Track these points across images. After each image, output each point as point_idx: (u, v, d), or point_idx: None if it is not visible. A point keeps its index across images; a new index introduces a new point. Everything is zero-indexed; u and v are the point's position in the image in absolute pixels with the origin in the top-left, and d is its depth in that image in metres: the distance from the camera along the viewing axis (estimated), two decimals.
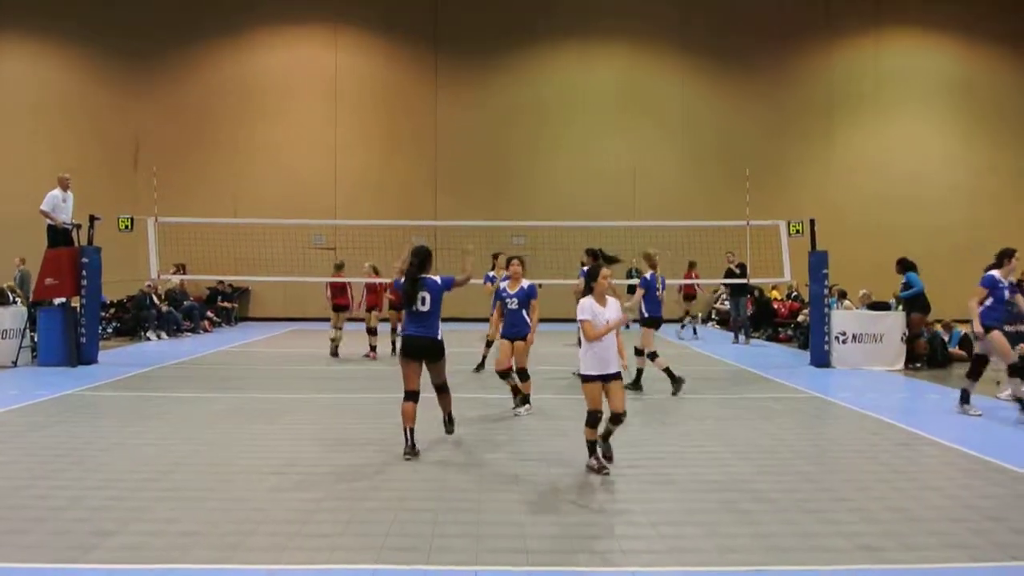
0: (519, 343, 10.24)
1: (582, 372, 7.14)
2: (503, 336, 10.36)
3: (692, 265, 21.16)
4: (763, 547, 5.43)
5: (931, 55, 26.48)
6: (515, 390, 10.31)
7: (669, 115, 26.17)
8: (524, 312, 10.23)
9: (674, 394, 11.57)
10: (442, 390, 8.35)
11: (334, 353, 16.07)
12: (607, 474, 7.08)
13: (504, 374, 10.24)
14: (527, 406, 10.25)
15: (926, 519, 6.02)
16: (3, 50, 25.49)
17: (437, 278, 8.05)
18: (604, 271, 7.30)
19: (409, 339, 8.00)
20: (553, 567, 5.08)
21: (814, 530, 5.77)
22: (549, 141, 25.93)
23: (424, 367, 8.07)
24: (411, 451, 7.80)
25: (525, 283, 10.30)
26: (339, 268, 16.60)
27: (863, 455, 8.10)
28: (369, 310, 16.25)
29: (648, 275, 12.04)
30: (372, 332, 16.06)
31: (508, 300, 10.28)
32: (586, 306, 7.11)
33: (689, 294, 21.68)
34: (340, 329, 16.25)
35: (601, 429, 7.28)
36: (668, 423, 9.77)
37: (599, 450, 7.29)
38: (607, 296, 7.27)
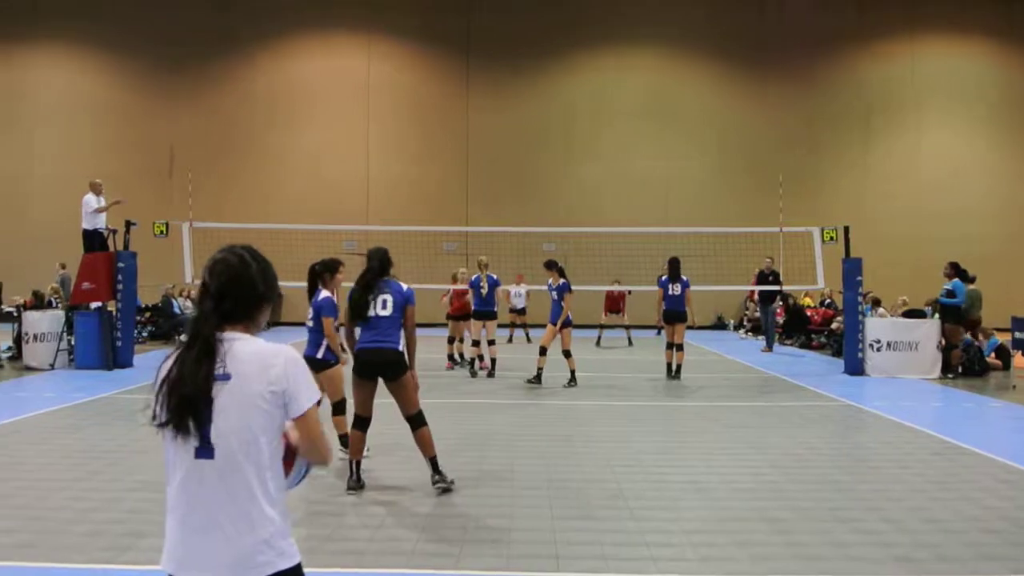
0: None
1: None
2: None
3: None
4: (796, 556, 5.37)
5: (966, 61, 26.08)
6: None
7: (701, 122, 26.01)
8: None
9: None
10: (417, 423, 6.78)
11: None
12: None
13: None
14: None
15: (961, 530, 5.92)
16: (40, 58, 25.92)
17: (404, 285, 6.87)
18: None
19: (363, 353, 6.72)
20: (583, 574, 5.06)
21: (847, 540, 5.70)
22: (580, 148, 25.88)
23: (389, 391, 6.79)
24: (356, 484, 6.75)
25: (323, 294, 7.73)
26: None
27: (897, 464, 7.98)
28: None
29: (474, 277, 14.55)
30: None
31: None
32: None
33: (612, 309, 20.17)
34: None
35: None
36: (700, 430, 9.71)
37: None
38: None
